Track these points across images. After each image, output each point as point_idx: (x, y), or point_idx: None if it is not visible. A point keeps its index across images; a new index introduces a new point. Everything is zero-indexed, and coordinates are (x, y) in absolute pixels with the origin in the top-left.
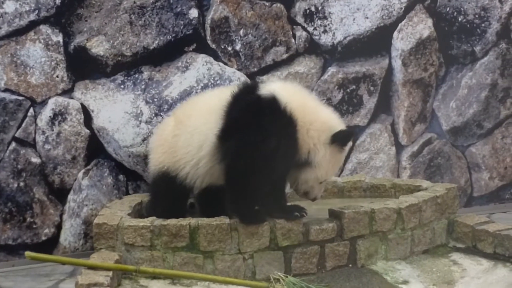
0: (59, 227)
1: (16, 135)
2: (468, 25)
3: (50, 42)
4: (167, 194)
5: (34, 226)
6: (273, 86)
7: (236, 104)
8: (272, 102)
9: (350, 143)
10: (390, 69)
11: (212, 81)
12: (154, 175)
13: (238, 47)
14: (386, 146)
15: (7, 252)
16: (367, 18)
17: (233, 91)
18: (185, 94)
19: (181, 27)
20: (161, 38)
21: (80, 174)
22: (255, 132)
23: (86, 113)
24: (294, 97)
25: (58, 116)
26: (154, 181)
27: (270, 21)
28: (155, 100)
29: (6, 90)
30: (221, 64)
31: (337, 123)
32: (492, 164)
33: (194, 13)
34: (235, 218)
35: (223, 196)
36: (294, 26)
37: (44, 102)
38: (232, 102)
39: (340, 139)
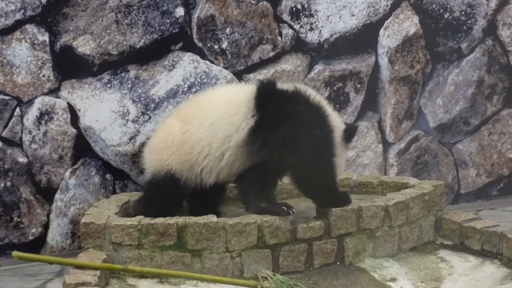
0: (46, 226)
1: (3, 134)
2: (454, 22)
3: (36, 42)
4: (167, 196)
5: (21, 225)
6: (290, 84)
7: (266, 97)
8: (303, 95)
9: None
10: (376, 67)
11: (199, 80)
12: (156, 177)
13: (224, 45)
14: (373, 144)
15: None
16: (353, 15)
17: (258, 86)
18: (172, 93)
19: (168, 25)
20: (148, 36)
21: (67, 174)
22: (298, 122)
23: (72, 112)
24: (315, 93)
25: (45, 116)
26: (155, 183)
27: (257, 19)
28: (142, 99)
29: None
30: (207, 62)
31: (340, 120)
32: (479, 161)
33: (180, 11)
34: (264, 211)
35: (212, 195)
36: (281, 24)
37: (30, 102)
38: (261, 95)
39: (348, 136)
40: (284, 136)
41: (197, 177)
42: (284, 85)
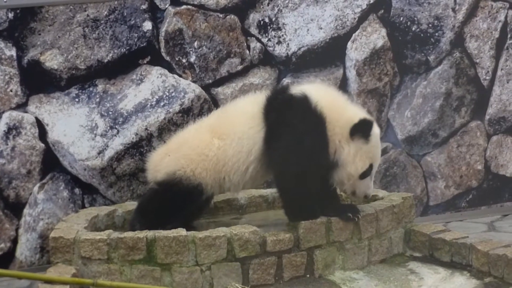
0: (15, 241)
1: None
2: (421, 35)
3: (3, 56)
4: (193, 206)
5: None
6: (304, 86)
7: (271, 106)
8: (303, 101)
9: (377, 131)
10: (344, 79)
11: (167, 93)
12: (185, 183)
13: (192, 59)
14: None
15: None
16: (321, 28)
17: (267, 94)
18: (140, 107)
19: (135, 39)
20: (115, 51)
21: (36, 188)
22: (290, 132)
23: (40, 127)
24: (324, 96)
25: (13, 130)
26: (183, 190)
27: (224, 32)
28: (110, 113)
29: None
30: (175, 76)
31: (353, 118)
32: (448, 172)
33: (148, 25)
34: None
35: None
36: (248, 38)
37: None
38: (267, 104)
39: (359, 131)
40: (277, 145)
41: (222, 191)
42: (296, 88)
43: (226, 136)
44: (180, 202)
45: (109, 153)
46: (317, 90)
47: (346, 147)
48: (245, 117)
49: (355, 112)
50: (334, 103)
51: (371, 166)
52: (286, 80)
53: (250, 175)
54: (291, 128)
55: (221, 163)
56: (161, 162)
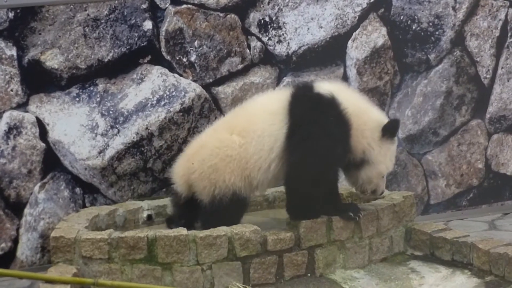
0: (15, 241)
1: None
2: (422, 33)
3: (3, 56)
4: (237, 216)
5: None
6: (329, 86)
7: (296, 104)
8: (331, 102)
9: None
10: (345, 78)
11: (168, 93)
12: (223, 199)
13: (193, 58)
14: None
15: None
16: (321, 27)
17: (292, 91)
18: (141, 106)
19: (136, 39)
20: (116, 50)
21: (36, 188)
22: (315, 134)
23: (41, 126)
24: (350, 100)
25: (13, 130)
26: (224, 206)
27: (225, 31)
28: (111, 112)
29: None
30: (176, 75)
31: (385, 120)
32: (449, 171)
33: (148, 25)
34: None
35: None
36: (249, 37)
37: None
38: (293, 102)
39: (388, 131)
40: (299, 145)
41: (253, 191)
42: (323, 87)
43: (246, 133)
44: (231, 216)
45: (109, 152)
46: (343, 91)
47: (376, 147)
48: (266, 114)
49: (378, 113)
50: (360, 105)
51: None
52: (286, 79)
53: (272, 173)
54: (316, 130)
55: (243, 161)
56: (190, 176)
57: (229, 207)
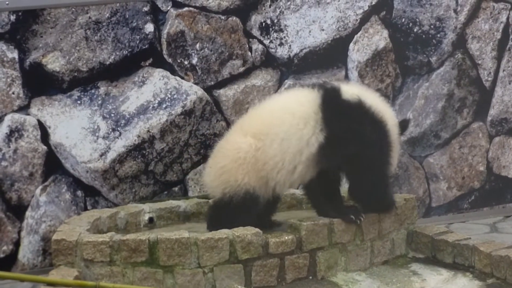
0: (17, 244)
1: None
2: (423, 36)
3: (5, 59)
4: (249, 214)
5: None
6: (357, 89)
7: (330, 108)
8: (367, 107)
9: None
10: (346, 81)
11: (169, 96)
12: (234, 198)
13: (194, 61)
14: None
15: None
16: (323, 30)
17: (322, 94)
18: (142, 109)
19: (137, 41)
20: (117, 53)
21: (38, 191)
22: (361, 141)
23: (43, 129)
24: (375, 101)
25: (15, 133)
26: (235, 204)
27: (226, 34)
28: (112, 115)
29: None
30: (177, 78)
31: (393, 116)
32: (450, 174)
33: (150, 27)
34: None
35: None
36: (250, 39)
37: (0, 119)
38: (328, 107)
39: (404, 129)
40: (348, 154)
41: (270, 191)
42: (346, 91)
43: (264, 136)
44: (242, 213)
45: (111, 155)
46: (371, 95)
47: (397, 145)
48: (290, 117)
49: (389, 111)
50: (382, 105)
51: None
52: (288, 82)
53: (298, 174)
54: (365, 135)
55: (260, 163)
56: (211, 180)
57: (242, 206)
